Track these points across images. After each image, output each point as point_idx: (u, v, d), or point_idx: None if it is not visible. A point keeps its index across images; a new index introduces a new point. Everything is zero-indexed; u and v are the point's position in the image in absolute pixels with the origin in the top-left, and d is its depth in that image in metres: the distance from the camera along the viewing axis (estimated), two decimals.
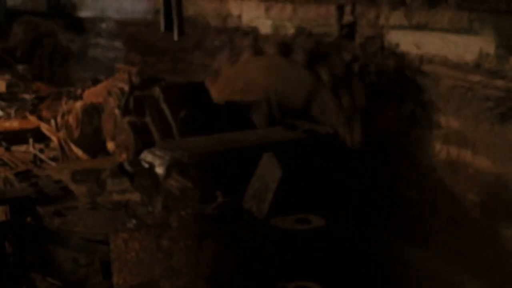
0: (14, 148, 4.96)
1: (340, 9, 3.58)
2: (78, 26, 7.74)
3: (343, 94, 3.31)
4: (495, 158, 2.78)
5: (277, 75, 3.63)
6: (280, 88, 3.55)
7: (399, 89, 3.22)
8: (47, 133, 5.20)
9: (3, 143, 5.03)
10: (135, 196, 2.77)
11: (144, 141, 3.39)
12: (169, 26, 4.06)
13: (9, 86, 7.03)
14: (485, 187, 2.84)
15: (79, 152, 4.43)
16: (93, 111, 4.46)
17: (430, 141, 3.07)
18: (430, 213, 3.08)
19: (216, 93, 3.73)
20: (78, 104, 4.58)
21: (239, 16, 4.61)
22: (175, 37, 4.10)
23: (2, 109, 6.19)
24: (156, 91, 3.54)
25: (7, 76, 7.44)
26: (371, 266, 2.98)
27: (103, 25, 7.13)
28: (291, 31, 4.01)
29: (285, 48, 3.64)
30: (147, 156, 2.84)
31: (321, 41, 3.74)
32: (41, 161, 4.56)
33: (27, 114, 5.88)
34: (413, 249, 3.09)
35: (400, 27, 3.21)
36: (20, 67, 7.94)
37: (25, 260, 2.83)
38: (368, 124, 3.32)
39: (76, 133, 4.53)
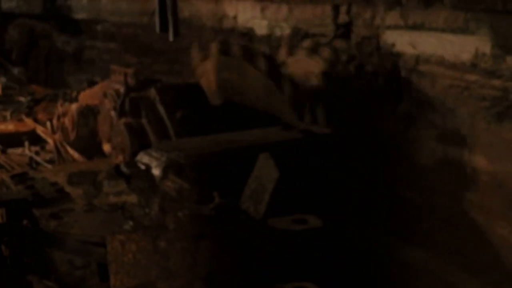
0: (10, 150, 4.93)
1: (336, 9, 3.58)
2: (74, 28, 7.73)
3: (284, 81, 3.35)
4: (492, 157, 2.78)
5: (220, 73, 3.67)
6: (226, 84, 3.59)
7: (396, 89, 3.22)
8: (43, 135, 5.19)
9: None
10: (132, 198, 2.76)
11: (140, 142, 3.38)
12: (164, 27, 4.04)
13: (4, 88, 7.03)
14: (482, 186, 2.84)
15: (75, 154, 4.42)
16: (89, 113, 4.45)
17: (427, 141, 3.07)
18: (429, 213, 3.08)
19: None
20: (74, 106, 4.58)
21: (235, 17, 4.61)
22: (171, 38, 4.09)
23: None
24: (152, 92, 3.53)
25: (3, 79, 7.44)
26: (370, 266, 2.98)
27: (99, 27, 7.11)
28: (287, 31, 4.00)
29: (225, 46, 3.68)
30: (143, 158, 2.83)
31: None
32: (37, 163, 4.54)
33: (23, 116, 5.87)
34: (412, 249, 3.08)
35: (396, 27, 3.20)
36: (15, 70, 7.93)
37: (22, 263, 2.81)
38: (367, 124, 3.32)
39: (72, 135, 4.52)
